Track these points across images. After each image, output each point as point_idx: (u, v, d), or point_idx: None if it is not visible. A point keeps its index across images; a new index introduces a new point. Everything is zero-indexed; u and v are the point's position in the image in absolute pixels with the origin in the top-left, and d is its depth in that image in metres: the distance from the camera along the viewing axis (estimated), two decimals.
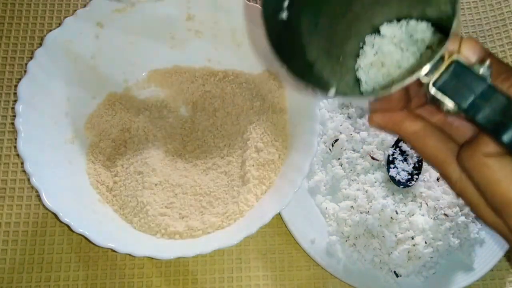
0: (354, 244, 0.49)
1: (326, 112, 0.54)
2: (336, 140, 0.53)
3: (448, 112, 0.26)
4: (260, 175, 0.47)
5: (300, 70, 0.30)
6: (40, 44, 0.47)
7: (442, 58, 0.25)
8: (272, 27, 0.30)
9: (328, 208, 0.51)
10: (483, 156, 0.26)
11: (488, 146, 0.25)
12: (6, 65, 0.58)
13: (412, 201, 0.51)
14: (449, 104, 0.25)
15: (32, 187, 0.47)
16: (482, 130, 0.26)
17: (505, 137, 0.24)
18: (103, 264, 0.49)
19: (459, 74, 0.25)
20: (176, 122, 0.54)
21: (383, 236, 0.49)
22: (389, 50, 0.32)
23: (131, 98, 0.54)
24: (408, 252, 0.48)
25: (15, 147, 0.51)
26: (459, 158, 0.27)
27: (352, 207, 0.50)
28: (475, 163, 0.26)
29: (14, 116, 0.44)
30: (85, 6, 0.50)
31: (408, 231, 0.49)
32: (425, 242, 0.48)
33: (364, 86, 0.33)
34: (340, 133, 0.53)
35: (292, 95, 0.50)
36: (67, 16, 0.50)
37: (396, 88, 0.25)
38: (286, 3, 0.31)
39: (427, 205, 0.50)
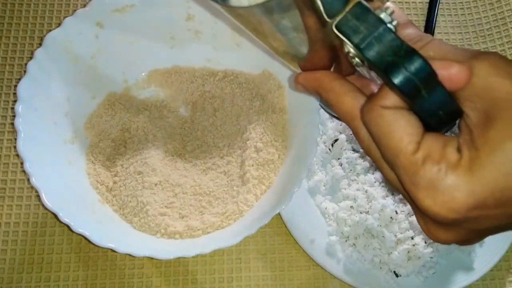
0: (354, 244, 0.49)
1: (325, 112, 0.54)
2: (336, 140, 0.53)
3: (350, 57, 0.26)
4: (260, 175, 0.47)
5: None
6: (40, 44, 0.47)
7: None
8: None
9: (328, 208, 0.51)
10: (380, 108, 0.26)
11: (386, 98, 0.26)
12: (5, 65, 0.58)
13: None
14: (348, 45, 0.25)
15: (32, 187, 0.47)
16: (375, 70, 0.26)
17: (394, 78, 0.24)
18: (103, 264, 0.49)
19: (360, 15, 0.25)
20: (176, 122, 0.54)
21: (383, 236, 0.49)
22: None
23: (131, 98, 0.54)
24: (408, 252, 0.48)
25: (14, 147, 0.51)
26: (361, 112, 0.27)
27: (352, 207, 0.50)
28: (372, 114, 0.26)
29: (14, 116, 0.44)
30: (84, 6, 0.50)
31: (408, 231, 0.49)
32: (425, 242, 0.48)
33: None
34: (340, 133, 0.53)
35: (292, 95, 0.50)
36: (66, 16, 0.49)
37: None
38: None
39: None
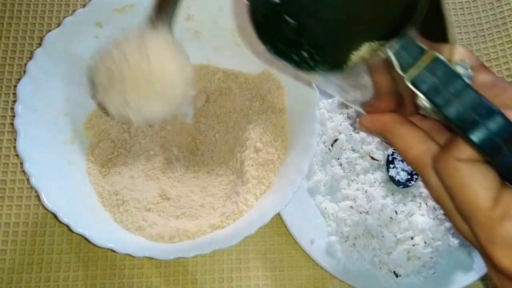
0: (354, 244, 0.49)
1: (325, 112, 0.54)
2: (336, 140, 0.53)
3: (424, 110, 0.25)
4: (260, 175, 0.47)
5: (283, 49, 0.30)
6: (40, 44, 0.47)
7: (422, 53, 0.25)
8: (258, 8, 0.30)
9: (327, 208, 0.51)
10: (455, 160, 0.25)
11: (461, 150, 0.25)
12: (5, 65, 0.58)
13: (411, 201, 0.51)
14: (423, 101, 0.25)
15: (32, 188, 0.46)
16: (453, 127, 0.25)
17: (474, 136, 0.24)
18: (103, 265, 0.49)
19: (437, 70, 0.24)
20: (175, 122, 0.54)
21: (383, 236, 0.49)
22: None
23: None
24: (408, 252, 0.48)
25: (14, 147, 0.51)
26: (434, 161, 0.27)
27: (351, 207, 0.50)
28: (447, 166, 0.25)
29: (14, 116, 0.44)
30: (84, 6, 0.50)
31: (408, 231, 0.49)
32: (425, 242, 0.48)
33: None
34: (340, 133, 0.53)
35: (292, 95, 0.50)
36: (66, 16, 0.50)
37: (356, 62, 0.25)
38: None
39: (427, 205, 0.50)
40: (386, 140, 0.30)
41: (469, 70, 0.25)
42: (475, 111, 0.24)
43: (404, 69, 0.25)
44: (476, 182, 0.25)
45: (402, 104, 0.29)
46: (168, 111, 0.41)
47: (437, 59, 0.24)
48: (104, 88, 0.40)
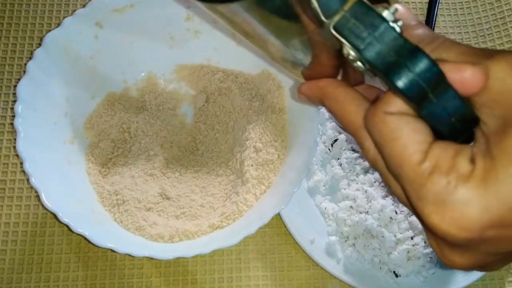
0: (354, 244, 0.49)
1: (325, 112, 0.54)
2: (336, 140, 0.53)
3: (351, 60, 0.24)
4: (259, 175, 0.47)
5: None
6: (40, 44, 0.47)
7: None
8: None
9: (327, 208, 0.51)
10: (383, 114, 0.23)
11: (390, 103, 0.23)
12: (5, 65, 0.58)
13: None
14: (347, 47, 0.23)
15: (31, 187, 0.47)
16: (377, 74, 0.24)
17: (398, 80, 0.22)
18: (103, 265, 0.49)
19: (360, 14, 0.23)
20: (175, 121, 0.54)
21: (383, 236, 0.49)
22: None
23: (130, 98, 0.54)
24: (408, 252, 0.48)
25: (14, 147, 0.51)
26: (364, 119, 0.25)
27: (351, 207, 0.50)
28: (375, 120, 0.24)
29: (13, 116, 0.44)
30: (84, 6, 0.50)
31: (408, 231, 0.49)
32: (425, 242, 0.48)
33: None
34: (340, 133, 0.53)
35: (292, 95, 0.50)
36: (66, 16, 0.50)
37: None
38: None
39: None
40: (323, 105, 0.28)
41: (394, 14, 0.23)
42: (397, 53, 0.22)
43: (328, 16, 0.23)
44: (405, 135, 0.23)
45: (345, 70, 0.28)
46: None
47: (360, 1, 0.23)
48: None
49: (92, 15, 0.50)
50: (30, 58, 0.46)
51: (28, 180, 0.43)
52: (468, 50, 0.24)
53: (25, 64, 0.46)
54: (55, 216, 0.41)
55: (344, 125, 0.27)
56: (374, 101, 0.25)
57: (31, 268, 0.49)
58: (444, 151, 0.22)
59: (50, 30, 0.48)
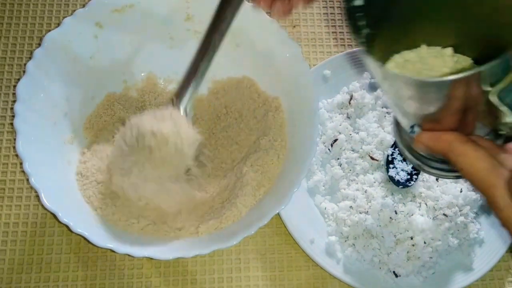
0: (353, 244, 0.49)
1: (325, 112, 0.54)
2: (335, 140, 0.53)
3: (501, 125, 0.25)
4: (259, 175, 0.47)
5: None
6: (39, 44, 0.47)
7: (508, 70, 0.25)
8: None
9: (327, 208, 0.51)
10: None
11: None
12: (5, 65, 0.58)
13: (411, 201, 0.51)
14: (508, 116, 0.25)
15: (31, 188, 0.46)
16: None
17: None
18: (102, 265, 0.49)
19: None
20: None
21: (382, 236, 0.49)
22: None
23: (130, 98, 0.54)
24: (407, 252, 0.48)
25: (14, 147, 0.50)
26: (509, 185, 0.26)
27: (351, 207, 0.50)
28: None
29: (13, 116, 0.44)
30: (84, 6, 0.50)
31: (407, 231, 0.49)
32: (424, 242, 0.48)
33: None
34: (339, 133, 0.53)
35: (292, 95, 0.50)
36: (66, 16, 0.50)
37: (454, 77, 0.25)
38: None
39: (426, 205, 0.50)
40: (448, 159, 0.29)
41: None
42: None
43: (492, 84, 0.25)
44: None
45: (464, 123, 0.29)
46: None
47: None
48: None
49: (92, 15, 0.50)
50: (30, 58, 0.46)
51: (27, 180, 0.43)
52: None
53: (25, 64, 0.46)
54: (54, 216, 0.41)
55: (471, 180, 0.28)
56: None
57: (31, 268, 0.49)
58: None
59: (50, 30, 0.48)
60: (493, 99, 0.25)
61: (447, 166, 0.34)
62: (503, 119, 0.25)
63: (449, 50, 0.34)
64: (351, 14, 0.31)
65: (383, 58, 0.34)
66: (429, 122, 0.30)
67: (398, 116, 0.34)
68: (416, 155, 0.35)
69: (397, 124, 0.36)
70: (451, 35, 0.34)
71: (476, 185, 0.28)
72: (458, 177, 0.35)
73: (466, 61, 0.34)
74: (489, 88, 0.25)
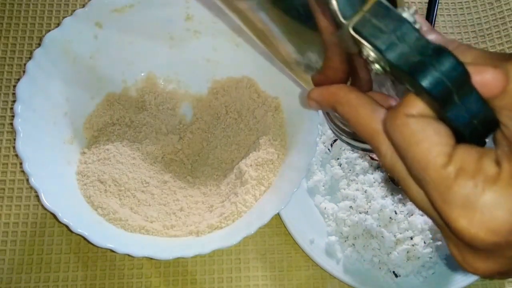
0: (353, 244, 0.49)
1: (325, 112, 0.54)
2: (335, 140, 0.53)
3: (370, 62, 0.23)
4: (259, 175, 0.47)
5: None
6: (39, 44, 0.47)
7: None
8: None
9: (327, 208, 0.51)
10: (405, 117, 0.23)
11: (412, 105, 0.23)
12: (4, 65, 0.58)
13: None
14: (367, 48, 0.23)
15: (31, 188, 0.46)
16: (400, 76, 0.23)
17: (425, 80, 0.22)
18: (102, 265, 0.49)
19: (380, 14, 0.23)
20: (175, 121, 0.54)
21: (382, 236, 0.49)
22: None
23: (129, 98, 0.54)
24: (407, 252, 0.48)
25: (13, 147, 0.50)
26: (383, 123, 0.25)
27: (351, 207, 0.50)
28: (396, 123, 0.23)
29: (13, 116, 0.44)
30: (84, 6, 0.50)
31: (407, 231, 0.49)
32: (424, 242, 0.48)
33: None
34: (336, 139, 0.53)
35: (291, 95, 0.50)
36: (66, 16, 0.49)
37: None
38: None
39: None
40: (336, 110, 0.28)
41: (414, 16, 0.23)
42: (421, 53, 0.22)
43: (346, 17, 0.23)
44: (428, 137, 0.22)
45: (355, 77, 0.28)
46: None
47: (379, 2, 0.23)
48: None
49: (91, 15, 0.50)
50: (30, 58, 0.46)
51: (27, 180, 0.43)
52: (484, 54, 0.24)
53: (25, 64, 0.46)
54: (54, 216, 0.41)
55: (357, 129, 0.27)
56: (393, 106, 0.25)
57: (31, 268, 0.49)
58: (468, 154, 0.22)
59: (49, 30, 0.48)
60: (351, 32, 0.23)
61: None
62: (365, 54, 0.23)
63: None
64: None
65: None
66: (317, 76, 0.29)
67: (293, 76, 0.32)
68: (334, 124, 0.33)
69: None
70: None
71: (361, 134, 0.26)
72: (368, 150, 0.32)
73: None
74: (344, 21, 0.23)
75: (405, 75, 0.22)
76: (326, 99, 0.28)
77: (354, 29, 0.23)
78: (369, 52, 0.23)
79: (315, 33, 0.26)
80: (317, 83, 0.30)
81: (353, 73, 0.29)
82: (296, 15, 0.26)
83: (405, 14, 0.23)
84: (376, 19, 0.23)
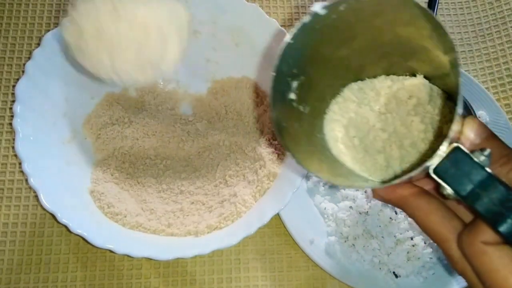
0: (353, 245, 0.49)
1: None
2: None
3: (447, 197, 0.26)
4: (258, 175, 0.47)
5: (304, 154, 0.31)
6: (38, 44, 0.47)
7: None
8: (280, 108, 0.31)
9: (327, 208, 0.51)
10: (482, 244, 0.26)
11: (487, 233, 0.25)
12: (4, 65, 0.57)
13: None
14: (448, 190, 0.26)
15: (30, 188, 0.46)
16: (480, 218, 0.26)
17: (503, 228, 0.24)
18: (101, 265, 0.49)
19: (459, 161, 0.25)
20: (175, 121, 0.54)
21: (382, 237, 0.48)
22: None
23: (129, 98, 0.54)
24: (408, 252, 0.48)
25: (13, 147, 0.50)
26: (459, 243, 0.27)
27: (351, 207, 0.50)
28: (474, 250, 0.26)
29: (12, 116, 0.44)
30: None
31: (407, 231, 0.49)
32: (424, 243, 0.48)
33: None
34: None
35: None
36: (65, 16, 0.49)
37: (401, 179, 0.26)
38: (295, 84, 0.32)
39: None
40: (405, 212, 0.30)
41: (487, 156, 0.26)
42: (502, 204, 0.25)
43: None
44: (505, 266, 0.25)
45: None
46: (149, 75, 0.41)
47: (458, 148, 0.25)
48: (77, 47, 0.40)
49: None
50: (29, 58, 0.46)
51: (26, 180, 0.43)
52: None
53: (24, 64, 0.46)
54: (53, 216, 0.41)
55: (427, 233, 0.29)
56: (469, 226, 0.27)
57: (30, 269, 0.49)
58: None
59: (49, 30, 0.48)
60: (432, 175, 0.26)
61: None
62: (443, 191, 0.26)
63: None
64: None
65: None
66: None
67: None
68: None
69: None
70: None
71: (432, 239, 0.29)
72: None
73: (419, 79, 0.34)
74: (427, 164, 0.26)
75: (486, 221, 0.25)
76: (395, 200, 0.30)
77: (435, 172, 0.26)
78: (449, 192, 0.26)
79: None
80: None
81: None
82: None
83: (482, 158, 0.25)
84: (455, 167, 0.25)
